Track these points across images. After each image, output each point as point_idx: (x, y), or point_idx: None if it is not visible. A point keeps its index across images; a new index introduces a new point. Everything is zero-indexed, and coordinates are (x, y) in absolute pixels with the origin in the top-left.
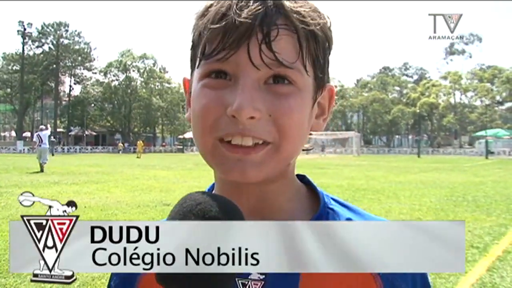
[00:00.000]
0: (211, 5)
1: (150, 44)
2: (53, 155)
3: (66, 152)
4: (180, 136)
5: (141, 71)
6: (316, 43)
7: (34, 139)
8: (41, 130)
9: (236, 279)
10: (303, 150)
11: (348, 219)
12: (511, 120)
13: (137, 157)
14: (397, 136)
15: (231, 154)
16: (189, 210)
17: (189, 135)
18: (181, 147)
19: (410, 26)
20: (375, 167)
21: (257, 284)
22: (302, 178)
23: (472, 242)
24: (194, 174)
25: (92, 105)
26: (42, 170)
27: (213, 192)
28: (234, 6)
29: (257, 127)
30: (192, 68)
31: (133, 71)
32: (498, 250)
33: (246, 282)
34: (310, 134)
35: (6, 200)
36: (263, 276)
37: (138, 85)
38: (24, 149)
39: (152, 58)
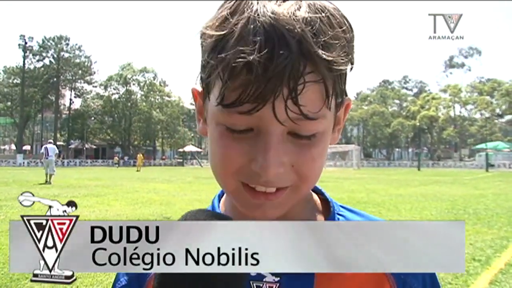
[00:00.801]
0: (224, 36)
1: (151, 58)
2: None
3: (66, 165)
4: (180, 150)
5: (141, 84)
6: (340, 79)
7: (41, 151)
8: (49, 143)
9: (251, 281)
10: None
11: None
12: (511, 133)
13: (137, 171)
14: (397, 149)
15: (254, 200)
16: None
17: (189, 148)
18: (181, 160)
19: (410, 40)
20: (376, 180)
21: (271, 287)
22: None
23: (474, 255)
24: (194, 187)
25: (92, 118)
26: (48, 182)
27: (224, 199)
28: (258, 58)
29: (280, 179)
30: (204, 87)
31: (133, 84)
32: (501, 263)
33: (261, 285)
34: None
35: (6, 213)
36: (278, 278)
37: (138, 98)
38: (23, 162)
39: (152, 72)
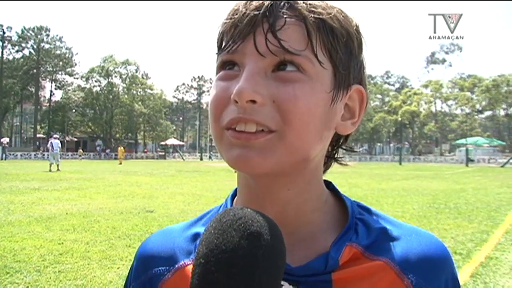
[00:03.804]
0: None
1: (133, 50)
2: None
3: (46, 158)
4: (162, 143)
5: (123, 77)
6: (331, 35)
7: (48, 145)
8: (54, 138)
9: None
10: (338, 163)
11: (376, 228)
12: (491, 129)
13: (119, 164)
14: (379, 144)
15: (234, 140)
16: (229, 225)
17: (171, 141)
18: (163, 153)
19: (392, 35)
20: (358, 175)
21: None
22: (327, 184)
23: (455, 249)
24: (177, 180)
25: (73, 110)
26: (57, 170)
27: (236, 199)
28: (247, 1)
29: (259, 113)
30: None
31: (115, 77)
32: (481, 256)
33: None
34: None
35: None
36: None
37: (120, 91)
38: (2, 156)
39: (134, 64)
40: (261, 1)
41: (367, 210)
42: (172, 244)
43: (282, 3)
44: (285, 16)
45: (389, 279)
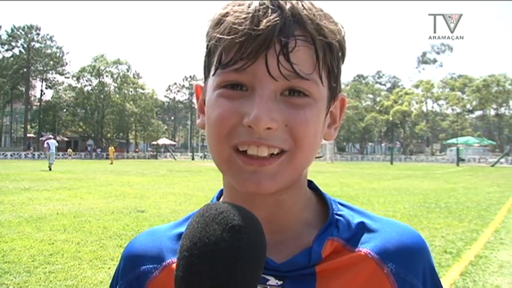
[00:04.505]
0: (226, 14)
1: (124, 50)
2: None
3: (36, 158)
4: (154, 143)
5: (115, 76)
6: (331, 54)
7: (44, 146)
8: (49, 138)
9: None
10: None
11: (355, 223)
12: (481, 128)
13: (111, 163)
14: (370, 144)
15: (246, 166)
16: (212, 219)
17: (162, 141)
18: (155, 153)
19: (384, 35)
20: (349, 174)
21: None
22: (309, 183)
23: (445, 248)
24: (168, 180)
25: (64, 110)
26: (50, 169)
27: (222, 199)
28: (252, 16)
29: (272, 137)
30: (206, 75)
31: (107, 76)
32: (471, 255)
33: None
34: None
35: None
36: (281, 282)
37: (111, 90)
38: None
39: (125, 64)
40: (271, 18)
41: (346, 206)
42: (159, 243)
43: (292, 21)
44: (296, 36)
45: (370, 268)
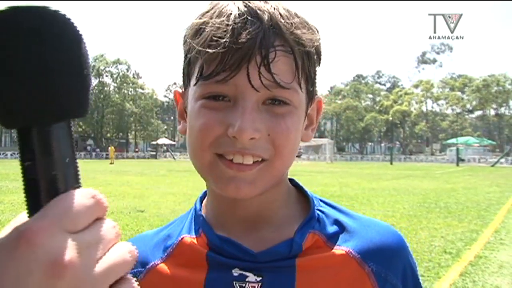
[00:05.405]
0: (204, 23)
1: (124, 49)
2: None
3: None
4: (154, 142)
5: (114, 76)
6: (309, 61)
7: None
8: None
9: (234, 282)
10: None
11: (336, 220)
12: (481, 128)
13: (111, 163)
14: (370, 143)
15: (227, 169)
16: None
17: (162, 141)
18: (154, 153)
19: (384, 35)
20: (348, 174)
21: (254, 286)
22: (291, 181)
23: (445, 248)
24: (168, 180)
25: None
26: None
27: (205, 200)
28: (233, 28)
29: (256, 146)
30: (187, 83)
31: (106, 76)
32: (470, 255)
33: (244, 285)
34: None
35: None
36: (260, 278)
37: (111, 90)
38: None
39: (125, 64)
40: (251, 30)
41: (327, 204)
42: (145, 247)
43: (272, 32)
44: (275, 47)
45: (351, 268)
